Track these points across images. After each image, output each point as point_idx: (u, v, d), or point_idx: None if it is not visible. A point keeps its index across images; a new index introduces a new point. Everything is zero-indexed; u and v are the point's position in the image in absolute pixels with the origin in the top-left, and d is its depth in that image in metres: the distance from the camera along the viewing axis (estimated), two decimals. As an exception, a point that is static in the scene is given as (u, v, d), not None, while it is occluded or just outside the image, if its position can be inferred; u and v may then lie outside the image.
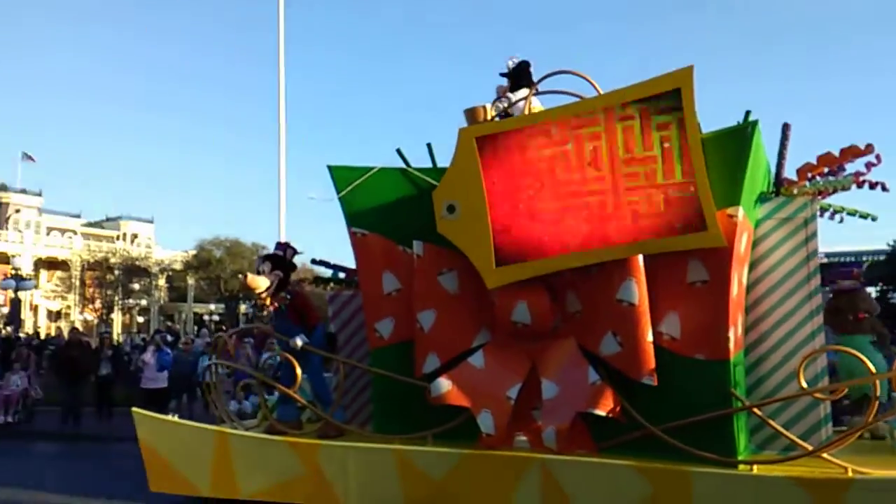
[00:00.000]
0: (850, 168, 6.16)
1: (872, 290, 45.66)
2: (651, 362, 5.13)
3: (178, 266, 50.65)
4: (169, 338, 14.62)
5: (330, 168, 6.27)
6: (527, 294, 5.54)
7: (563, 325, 5.68)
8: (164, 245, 56.84)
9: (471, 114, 6.40)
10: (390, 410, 5.91)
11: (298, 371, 5.88)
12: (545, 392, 5.45)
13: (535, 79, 6.28)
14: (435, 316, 5.78)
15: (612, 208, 5.33)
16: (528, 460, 5.18)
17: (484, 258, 5.57)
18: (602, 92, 5.70)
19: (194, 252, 46.51)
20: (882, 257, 43.13)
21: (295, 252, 6.53)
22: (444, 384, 5.51)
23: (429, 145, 6.48)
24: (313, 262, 7.77)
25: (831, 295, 6.57)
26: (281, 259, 6.40)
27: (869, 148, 6.01)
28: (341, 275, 7.44)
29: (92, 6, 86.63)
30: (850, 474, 4.59)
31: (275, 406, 6.48)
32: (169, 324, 34.13)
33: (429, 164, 6.40)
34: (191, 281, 48.96)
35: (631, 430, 5.22)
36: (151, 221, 60.02)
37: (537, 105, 6.23)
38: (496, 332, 5.75)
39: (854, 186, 6.10)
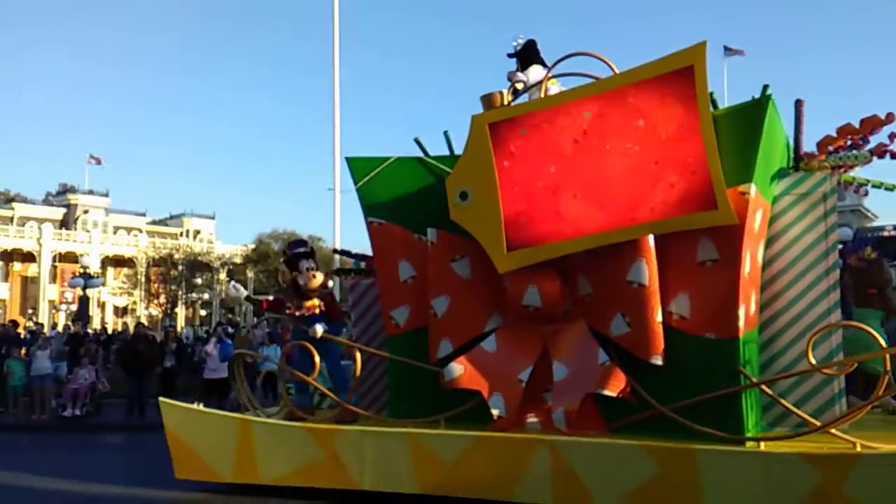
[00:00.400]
0: (876, 139, 5.99)
1: None
2: (660, 342, 5.16)
3: (237, 260, 52.33)
4: (230, 329, 15.07)
5: (348, 160, 6.49)
6: (537, 278, 5.62)
7: (575, 308, 5.75)
8: (225, 240, 59.06)
9: (487, 100, 6.47)
10: (405, 396, 6.09)
11: (317, 359, 6.11)
12: (556, 374, 5.54)
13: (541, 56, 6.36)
14: (448, 302, 5.92)
15: (623, 189, 5.34)
16: (538, 442, 5.28)
17: (495, 243, 5.66)
18: (617, 72, 5.71)
19: (253, 246, 47.85)
20: None
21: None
22: (457, 369, 5.66)
23: (446, 133, 6.61)
24: (335, 252, 8.02)
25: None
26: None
27: (890, 117, 5.80)
28: (363, 265, 7.67)
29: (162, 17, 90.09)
30: (858, 449, 4.55)
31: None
32: (230, 316, 35.24)
33: (447, 153, 6.52)
34: (250, 274, 50.55)
35: (641, 410, 5.26)
36: (213, 217, 62.18)
37: (554, 86, 6.29)
38: (508, 317, 5.86)
39: (879, 158, 5.94)
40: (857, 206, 51.34)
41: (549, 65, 6.32)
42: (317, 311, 6.47)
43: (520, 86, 6.39)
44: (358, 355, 6.17)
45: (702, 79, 5.11)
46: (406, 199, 6.22)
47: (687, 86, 5.13)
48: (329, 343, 6.47)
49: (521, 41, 6.54)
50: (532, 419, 5.61)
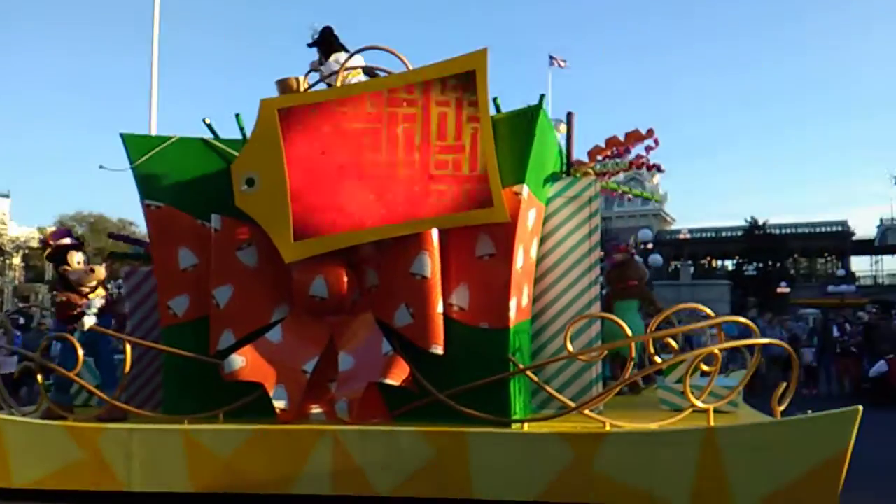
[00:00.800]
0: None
1: (729, 263, 50.55)
2: (439, 332, 5.37)
3: (34, 244, 46.25)
4: (21, 320, 13.41)
5: (122, 136, 5.94)
6: (325, 268, 5.58)
7: (362, 299, 5.80)
8: (21, 221, 52.39)
9: (282, 85, 6.27)
10: (182, 390, 5.76)
11: (80, 353, 5.56)
12: (341, 364, 5.55)
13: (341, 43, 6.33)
14: (232, 292, 5.68)
15: (406, 184, 5.47)
16: (319, 432, 5.25)
17: (281, 232, 5.53)
18: (410, 68, 5.83)
19: (54, 228, 42.56)
20: (739, 233, 48.23)
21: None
22: (238, 361, 5.44)
23: (237, 115, 6.31)
24: (111, 236, 7.36)
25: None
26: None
27: (650, 132, 6.61)
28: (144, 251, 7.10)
29: None
30: (607, 428, 5.09)
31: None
32: (21, 305, 31.16)
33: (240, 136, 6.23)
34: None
35: (423, 397, 5.45)
36: (7, 196, 54.49)
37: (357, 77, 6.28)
38: (295, 307, 5.76)
39: (638, 168, 6.74)
40: (658, 210, 58.20)
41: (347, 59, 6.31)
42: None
43: (326, 72, 6.29)
44: (128, 348, 5.68)
45: (482, 83, 5.40)
46: (189, 182, 5.87)
47: (469, 89, 5.39)
48: (99, 336, 5.92)
49: (318, 28, 6.43)
50: (316, 410, 5.56)
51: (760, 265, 46.58)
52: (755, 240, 46.72)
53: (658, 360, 5.22)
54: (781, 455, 4.65)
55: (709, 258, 52.99)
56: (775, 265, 46.29)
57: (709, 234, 52.22)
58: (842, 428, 4.57)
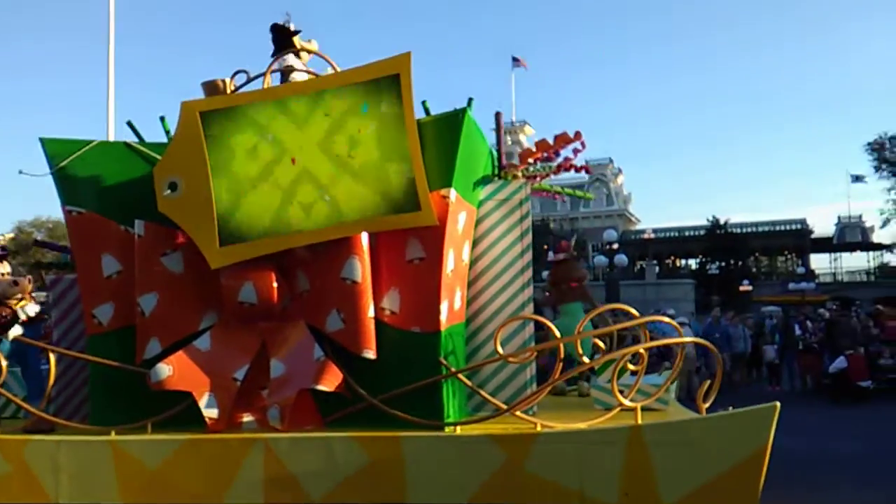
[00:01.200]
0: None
1: (693, 262, 51.33)
2: (370, 337, 5.33)
3: None
4: None
5: (41, 141, 5.79)
6: (253, 273, 5.50)
7: (293, 305, 5.73)
8: None
9: (209, 87, 6.18)
10: (109, 401, 5.62)
11: (3, 363, 5.40)
12: (273, 371, 5.47)
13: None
14: (157, 299, 5.56)
15: (335, 187, 5.42)
16: (251, 441, 5.17)
17: (207, 238, 5.44)
18: (338, 70, 5.79)
19: (11, 235, 41.57)
20: (702, 232, 49.06)
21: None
22: (165, 370, 5.33)
23: (162, 118, 6.20)
24: (36, 243, 7.18)
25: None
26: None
27: (577, 135, 6.66)
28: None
29: None
30: (538, 429, 5.10)
31: None
32: None
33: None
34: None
35: (356, 403, 5.41)
36: None
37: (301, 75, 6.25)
38: (224, 314, 5.67)
39: (566, 171, 6.81)
40: (623, 210, 58.98)
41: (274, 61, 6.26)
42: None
43: (244, 77, 6.20)
44: (52, 358, 5.54)
45: (407, 86, 5.36)
46: (112, 187, 5.72)
47: (394, 93, 5.36)
48: (27, 347, 5.77)
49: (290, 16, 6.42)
50: (248, 419, 5.48)
51: (723, 264, 47.51)
52: (717, 239, 47.66)
53: (586, 360, 5.25)
54: (705, 451, 4.72)
55: (673, 257, 53.87)
56: (737, 264, 47.26)
57: (672, 234, 53.11)
58: (761, 424, 4.65)
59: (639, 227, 58.60)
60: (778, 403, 4.65)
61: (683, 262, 53.94)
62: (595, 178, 58.44)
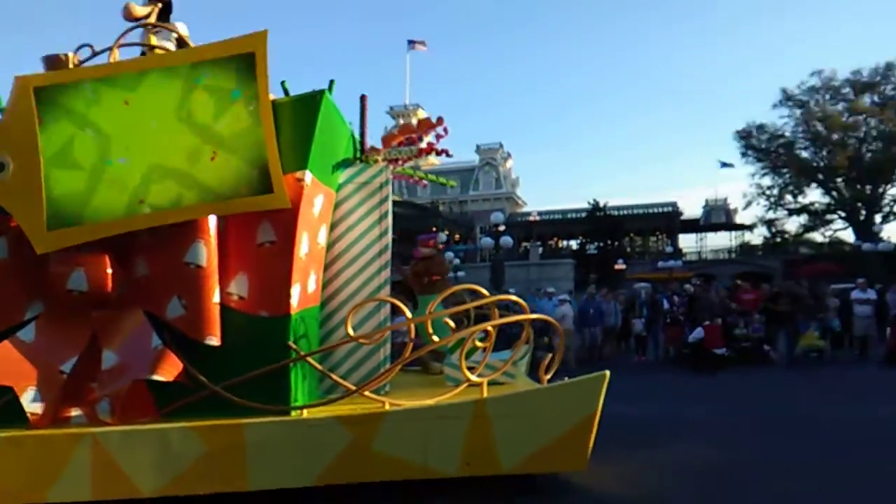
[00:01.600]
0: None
1: (574, 243, 53.57)
2: (214, 323, 5.15)
3: None
4: None
5: None
6: (84, 259, 5.16)
7: (130, 292, 5.43)
8: None
9: (51, 61, 5.71)
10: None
11: None
12: (104, 363, 5.16)
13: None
14: (-24, 288, 5.12)
15: (181, 167, 5.17)
16: (77, 436, 4.87)
17: (34, 221, 5.05)
18: (191, 46, 5.52)
19: None
20: (583, 215, 50.96)
21: None
22: (-19, 364, 4.92)
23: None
24: None
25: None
26: None
27: (440, 121, 6.77)
28: None
29: None
30: (386, 408, 5.17)
31: None
32: None
33: None
34: None
35: (198, 391, 5.22)
36: None
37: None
38: (51, 303, 5.29)
39: (427, 154, 6.88)
40: (511, 193, 60.21)
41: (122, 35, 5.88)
42: None
43: (88, 52, 5.78)
44: None
45: (262, 66, 5.19)
46: None
47: (249, 71, 5.18)
48: None
49: None
50: (76, 413, 5.15)
51: (601, 244, 49.99)
52: (596, 221, 50.02)
53: (435, 339, 5.37)
54: (541, 419, 4.99)
55: (556, 239, 55.95)
56: (614, 244, 49.88)
57: (556, 217, 55.12)
58: (592, 392, 4.97)
59: (525, 209, 60.38)
60: (607, 372, 4.97)
61: (565, 243, 56.19)
62: (485, 162, 59.55)
